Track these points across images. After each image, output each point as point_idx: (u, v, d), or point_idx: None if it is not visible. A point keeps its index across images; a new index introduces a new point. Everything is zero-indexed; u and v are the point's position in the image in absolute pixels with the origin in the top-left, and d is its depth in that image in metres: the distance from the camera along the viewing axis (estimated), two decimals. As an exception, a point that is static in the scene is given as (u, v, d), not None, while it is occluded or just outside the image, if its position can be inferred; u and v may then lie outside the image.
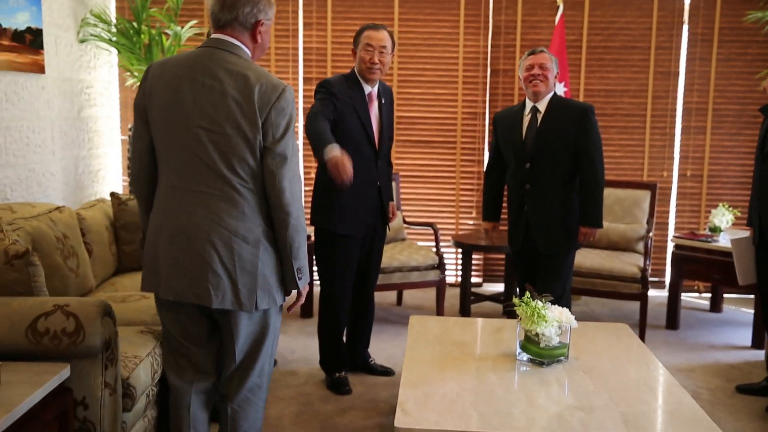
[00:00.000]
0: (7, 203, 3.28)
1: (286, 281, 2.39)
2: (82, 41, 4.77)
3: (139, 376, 2.72)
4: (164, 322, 2.49)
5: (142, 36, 4.80)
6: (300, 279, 2.39)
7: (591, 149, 3.64)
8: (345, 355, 3.92)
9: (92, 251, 3.67)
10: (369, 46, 3.58)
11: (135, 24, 4.79)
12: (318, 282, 3.85)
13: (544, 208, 3.70)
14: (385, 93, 3.78)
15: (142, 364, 2.77)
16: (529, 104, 3.76)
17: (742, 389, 3.84)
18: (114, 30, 4.84)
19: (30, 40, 3.98)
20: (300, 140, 5.60)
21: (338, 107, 3.53)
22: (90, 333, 2.40)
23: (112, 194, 4.10)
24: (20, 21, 3.87)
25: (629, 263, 4.66)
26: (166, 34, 4.94)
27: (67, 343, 2.38)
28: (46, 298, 2.53)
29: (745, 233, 4.77)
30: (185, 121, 2.26)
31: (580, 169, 3.67)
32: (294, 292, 2.45)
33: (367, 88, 3.65)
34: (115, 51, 5.16)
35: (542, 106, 3.72)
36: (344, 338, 3.96)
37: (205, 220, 2.26)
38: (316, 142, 3.30)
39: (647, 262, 4.67)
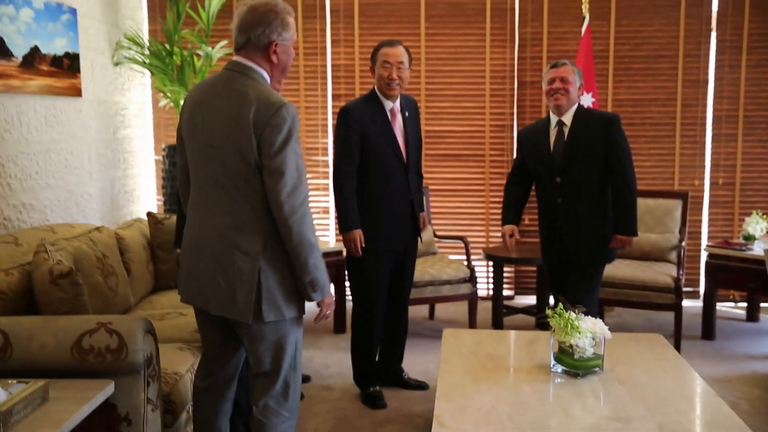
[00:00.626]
0: (48, 224, 3.38)
1: (302, 294, 2.47)
2: (116, 64, 4.89)
3: (179, 391, 2.78)
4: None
5: (175, 57, 4.90)
6: (314, 292, 2.44)
7: (623, 157, 3.63)
8: (379, 369, 3.94)
9: (130, 270, 3.75)
10: (387, 63, 3.64)
11: (167, 46, 4.89)
12: (350, 297, 3.89)
13: (578, 221, 3.69)
14: (408, 105, 3.83)
15: (182, 380, 2.83)
16: (554, 118, 3.75)
17: None
18: (147, 52, 4.96)
19: (68, 65, 4.10)
20: (328, 153, 5.66)
21: (361, 132, 3.61)
22: (133, 350, 2.46)
23: (149, 214, 4.19)
24: (58, 46, 3.99)
25: (662, 273, 4.63)
26: (198, 55, 5.04)
27: (111, 359, 2.44)
28: (90, 316, 2.60)
29: (780, 241, 4.72)
30: (200, 140, 2.43)
31: (612, 177, 3.66)
32: (316, 303, 2.52)
33: (389, 104, 3.71)
34: (148, 73, 5.28)
35: (567, 119, 3.71)
36: (378, 353, 3.99)
37: (212, 232, 2.41)
38: (342, 216, 3.63)
39: (681, 272, 4.63)
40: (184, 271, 2.54)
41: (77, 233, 3.36)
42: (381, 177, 3.67)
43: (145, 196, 5.46)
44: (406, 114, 3.78)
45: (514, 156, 5.36)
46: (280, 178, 2.31)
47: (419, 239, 3.94)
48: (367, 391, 3.84)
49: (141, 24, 5.51)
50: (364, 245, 3.63)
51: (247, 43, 2.41)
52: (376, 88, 3.72)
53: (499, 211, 5.78)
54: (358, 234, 3.61)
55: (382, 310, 3.83)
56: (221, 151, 2.36)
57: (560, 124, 3.72)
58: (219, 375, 2.66)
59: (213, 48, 5.03)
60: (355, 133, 3.61)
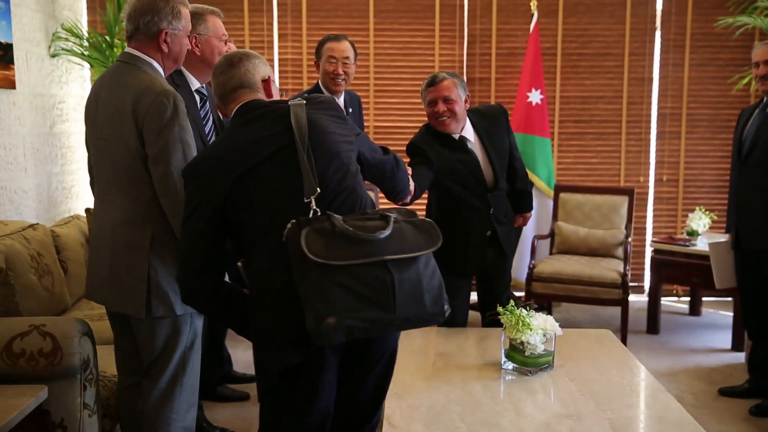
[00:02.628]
0: (-22, 222, 3.21)
1: None
2: (53, 56, 4.70)
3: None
4: None
5: (115, 50, 4.73)
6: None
7: (515, 145, 3.54)
8: None
9: (68, 269, 3.60)
10: (332, 58, 3.61)
11: (108, 38, 4.73)
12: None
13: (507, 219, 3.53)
14: (352, 101, 3.77)
15: (121, 383, 2.71)
16: (455, 136, 3.35)
17: (725, 392, 3.85)
18: (86, 44, 4.78)
19: (0, 56, 3.91)
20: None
21: None
22: (68, 353, 2.36)
23: (87, 210, 4.04)
24: (-10, 36, 3.81)
25: (609, 269, 4.68)
26: (140, 47, 4.88)
27: (44, 364, 2.33)
28: (21, 318, 2.48)
29: (723, 237, 4.81)
30: (94, 134, 2.43)
31: (516, 166, 3.55)
32: None
33: None
34: (87, 65, 5.09)
35: (469, 134, 3.37)
36: None
37: (106, 227, 2.40)
38: None
39: (627, 268, 4.69)
40: (88, 268, 2.55)
41: (10, 231, 3.20)
42: None
43: (84, 193, 5.26)
44: (350, 110, 3.72)
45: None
46: (165, 166, 2.26)
47: None
48: None
49: (80, 15, 5.31)
50: None
51: (136, 31, 2.37)
52: (320, 83, 3.65)
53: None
54: None
55: None
56: (110, 145, 2.36)
57: (463, 139, 3.36)
58: (128, 369, 2.58)
59: (155, 40, 4.88)
60: None
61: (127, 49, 2.40)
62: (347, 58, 3.61)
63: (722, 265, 3.95)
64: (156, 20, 2.34)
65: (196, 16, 2.80)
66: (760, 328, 3.76)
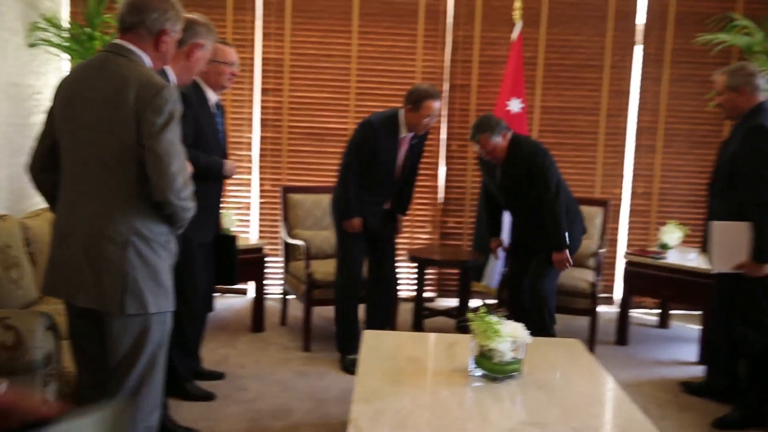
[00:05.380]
0: (-54, 210, 3.16)
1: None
2: (31, 46, 4.65)
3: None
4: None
5: (96, 42, 4.69)
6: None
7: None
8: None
9: (37, 262, 3.55)
10: (428, 116, 4.12)
11: (88, 30, 4.68)
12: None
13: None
14: (419, 136, 4.32)
15: (86, 379, 2.68)
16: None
17: (687, 387, 4.08)
18: (66, 35, 4.73)
19: (-24, 43, 3.86)
20: (252, 149, 5.53)
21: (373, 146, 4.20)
22: (30, 347, 2.33)
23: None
24: (-34, 23, 3.76)
25: (580, 279, 4.71)
26: (120, 40, 4.84)
27: (5, 357, 2.30)
28: (-16, 310, 2.43)
29: (692, 252, 4.87)
30: (74, 123, 2.35)
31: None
32: None
33: (403, 133, 4.23)
34: (66, 57, 5.04)
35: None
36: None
37: (81, 220, 2.33)
38: (344, 208, 4.24)
39: (599, 278, 4.72)
40: (50, 261, 2.43)
41: (-22, 221, 3.16)
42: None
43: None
44: (415, 140, 4.31)
45: (444, 156, 5.35)
46: (161, 158, 2.27)
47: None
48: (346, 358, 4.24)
49: (60, 5, 5.26)
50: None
51: (139, 24, 2.37)
52: (404, 121, 4.19)
53: (425, 212, 5.82)
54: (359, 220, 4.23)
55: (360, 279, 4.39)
56: (96, 134, 2.32)
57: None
58: (93, 370, 2.52)
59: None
60: (367, 145, 4.18)
61: (119, 41, 2.39)
62: (437, 116, 4.26)
63: (724, 248, 3.67)
64: (162, 19, 2.39)
65: (207, 27, 3.01)
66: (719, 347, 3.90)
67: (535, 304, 4.28)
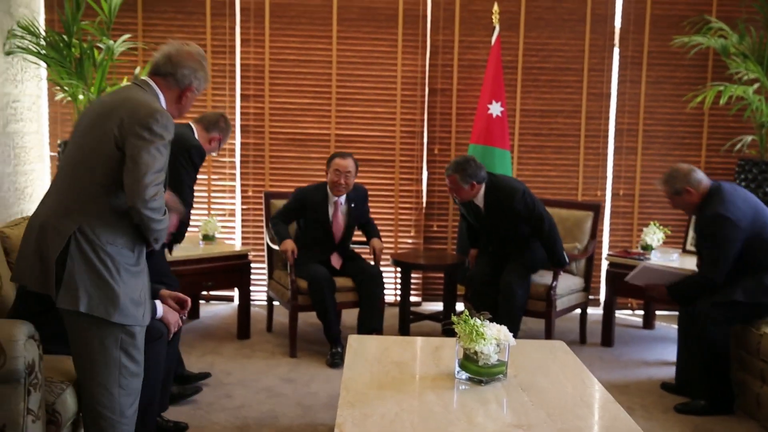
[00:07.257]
0: (-77, 221, 3.12)
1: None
2: (8, 53, 4.61)
3: (65, 401, 2.61)
4: None
5: (73, 50, 4.67)
6: (156, 243, 2.54)
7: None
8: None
9: (16, 271, 3.51)
10: (337, 171, 4.48)
11: (65, 37, 4.65)
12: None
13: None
14: (357, 196, 4.69)
15: (69, 389, 2.65)
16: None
17: (665, 386, 4.18)
18: (43, 43, 4.69)
19: (-48, 51, 3.83)
20: (236, 155, 5.49)
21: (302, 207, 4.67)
22: (12, 356, 2.30)
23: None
24: (-59, 31, 3.72)
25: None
26: (99, 48, 4.81)
27: (-14, 367, 2.26)
28: (-37, 321, 2.40)
29: (674, 253, 4.91)
30: (74, 131, 2.58)
31: None
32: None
33: (333, 198, 4.62)
34: (44, 64, 5.00)
35: (479, 201, 4.49)
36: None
37: (44, 212, 2.48)
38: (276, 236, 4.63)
39: (590, 281, 4.75)
40: (18, 250, 2.61)
41: (-44, 231, 3.12)
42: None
43: (38, 195, 5.15)
44: (352, 205, 4.66)
45: (425, 161, 5.34)
46: (139, 166, 2.34)
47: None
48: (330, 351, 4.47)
49: (37, 13, 5.21)
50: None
51: (170, 75, 2.56)
52: (327, 185, 4.59)
53: (408, 217, 5.83)
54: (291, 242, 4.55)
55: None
56: (83, 138, 2.47)
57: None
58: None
59: (115, 42, 4.82)
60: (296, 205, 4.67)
61: (147, 78, 2.58)
62: (349, 172, 4.51)
63: (646, 278, 4.25)
64: (191, 77, 2.59)
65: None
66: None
67: (510, 307, 4.37)
